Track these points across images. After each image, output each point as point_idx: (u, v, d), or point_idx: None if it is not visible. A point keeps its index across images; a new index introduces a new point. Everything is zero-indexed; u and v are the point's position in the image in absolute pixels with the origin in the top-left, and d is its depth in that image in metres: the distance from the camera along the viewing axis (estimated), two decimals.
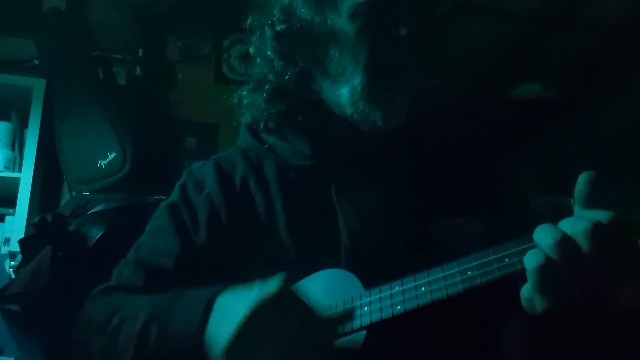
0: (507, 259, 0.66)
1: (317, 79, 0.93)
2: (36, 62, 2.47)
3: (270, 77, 0.95)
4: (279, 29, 0.92)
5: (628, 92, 3.20)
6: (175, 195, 0.98)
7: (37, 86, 2.40)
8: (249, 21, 0.98)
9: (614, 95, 3.27)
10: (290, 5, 0.92)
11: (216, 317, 0.69)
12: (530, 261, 0.61)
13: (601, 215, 0.60)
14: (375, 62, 0.86)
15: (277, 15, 0.92)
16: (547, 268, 0.61)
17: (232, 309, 0.67)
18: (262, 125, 0.98)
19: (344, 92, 0.88)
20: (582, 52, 3.05)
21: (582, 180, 0.62)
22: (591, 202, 0.62)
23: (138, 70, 2.70)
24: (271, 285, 0.66)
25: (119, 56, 2.65)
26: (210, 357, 0.68)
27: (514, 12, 2.76)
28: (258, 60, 0.98)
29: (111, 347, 0.78)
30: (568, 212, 0.65)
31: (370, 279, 0.78)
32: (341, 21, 0.87)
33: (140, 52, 2.70)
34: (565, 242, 0.60)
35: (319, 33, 0.90)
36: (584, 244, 0.60)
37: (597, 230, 0.59)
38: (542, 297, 0.62)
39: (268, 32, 0.94)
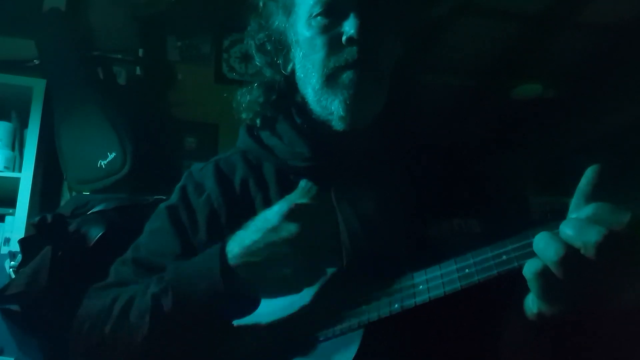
0: (504, 256, 0.65)
1: (299, 84, 0.97)
2: (36, 62, 2.47)
3: (264, 79, 1.01)
4: (257, 40, 0.99)
5: (628, 92, 3.20)
6: (174, 197, 0.98)
7: (37, 86, 2.40)
8: (247, 28, 1.03)
9: (614, 95, 3.27)
10: (267, 17, 0.98)
11: (239, 242, 0.76)
12: (529, 269, 0.60)
13: (615, 218, 0.57)
14: (327, 59, 0.89)
15: (253, 27, 1.00)
16: (548, 278, 0.59)
17: (259, 221, 0.76)
18: (259, 125, 0.99)
19: (310, 92, 0.93)
20: (582, 52, 3.05)
21: (590, 173, 0.61)
22: (596, 196, 0.60)
23: (138, 70, 2.70)
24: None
25: (119, 56, 2.65)
26: (236, 285, 0.75)
27: (514, 12, 2.76)
28: (253, 64, 1.03)
29: (121, 329, 0.79)
30: (567, 212, 0.65)
31: (371, 280, 0.78)
32: (300, 26, 0.93)
33: (140, 52, 2.70)
34: (570, 257, 0.57)
35: (290, 41, 0.96)
36: (592, 256, 0.56)
37: (609, 241, 0.55)
38: (547, 305, 0.62)
39: (251, 43, 1.01)
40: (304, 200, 0.76)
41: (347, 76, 0.88)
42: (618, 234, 0.56)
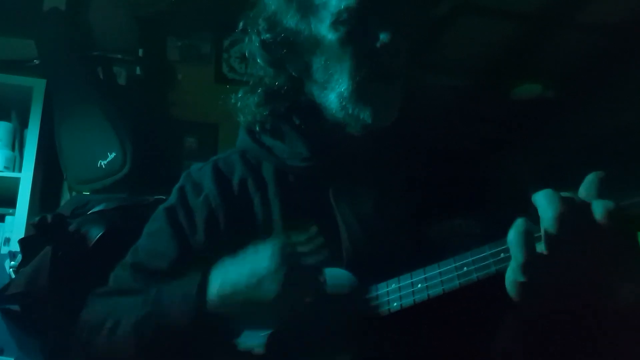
0: (502, 254, 0.66)
1: (307, 84, 0.94)
2: (36, 62, 2.47)
3: (264, 80, 0.97)
4: (264, 38, 0.93)
5: (628, 92, 3.20)
6: (173, 198, 0.98)
7: (37, 86, 2.40)
8: (240, 26, 0.99)
9: (614, 95, 3.26)
10: (275, 14, 0.92)
11: (224, 284, 0.75)
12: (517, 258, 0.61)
13: (609, 203, 0.58)
14: (359, 69, 0.86)
15: (262, 25, 0.93)
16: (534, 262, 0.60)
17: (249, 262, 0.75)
18: (258, 127, 0.98)
19: (333, 98, 0.89)
20: (582, 52, 3.05)
21: (590, 179, 0.62)
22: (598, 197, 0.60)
23: (138, 70, 2.69)
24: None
25: (119, 56, 2.65)
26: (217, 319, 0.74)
27: (514, 12, 2.76)
28: (252, 63, 0.99)
29: (112, 345, 0.81)
30: None
31: (371, 280, 0.79)
32: (324, 29, 0.88)
33: (140, 52, 2.70)
34: (568, 214, 0.58)
35: (304, 41, 0.90)
36: (588, 215, 0.58)
37: (611, 213, 0.57)
38: (528, 284, 0.62)
39: (256, 40, 0.95)
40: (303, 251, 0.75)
41: (379, 87, 0.87)
42: (615, 211, 0.57)
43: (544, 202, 0.60)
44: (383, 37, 0.84)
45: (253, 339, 0.77)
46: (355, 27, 0.86)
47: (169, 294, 0.81)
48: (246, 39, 0.99)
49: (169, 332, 0.77)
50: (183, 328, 0.76)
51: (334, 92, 0.88)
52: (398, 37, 0.85)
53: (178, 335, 0.77)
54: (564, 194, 0.61)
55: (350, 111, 0.87)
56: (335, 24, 0.86)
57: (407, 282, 0.73)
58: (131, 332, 0.79)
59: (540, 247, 0.60)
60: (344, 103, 0.88)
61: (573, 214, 0.59)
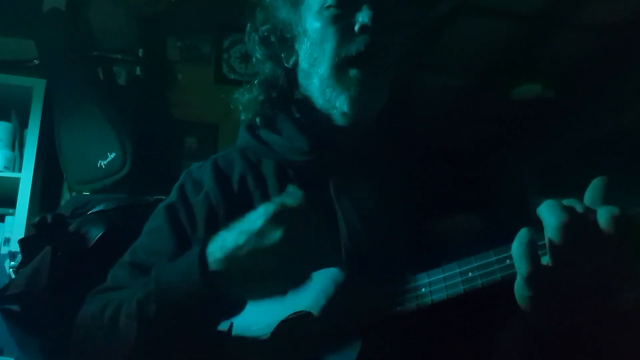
0: (508, 261, 0.65)
1: (299, 76, 0.97)
2: (36, 62, 2.47)
3: (264, 76, 1.00)
4: (262, 32, 0.98)
5: (628, 92, 3.20)
6: (173, 196, 0.98)
7: (37, 86, 2.40)
8: (247, 29, 1.03)
9: (614, 95, 3.26)
10: (271, 9, 0.98)
11: (221, 245, 0.74)
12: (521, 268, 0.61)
13: (614, 209, 0.58)
14: (338, 50, 0.89)
15: (259, 20, 0.99)
16: (539, 273, 0.60)
17: (241, 226, 0.73)
18: (259, 123, 0.99)
19: (315, 82, 0.92)
20: (582, 52, 3.05)
21: (595, 184, 0.62)
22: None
23: (138, 70, 2.70)
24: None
25: (119, 56, 2.65)
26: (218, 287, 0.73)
27: (514, 12, 2.76)
28: (253, 61, 1.02)
29: (112, 335, 0.79)
30: None
31: (371, 277, 0.78)
32: (311, 17, 0.93)
33: (140, 52, 2.70)
34: (571, 224, 0.58)
35: (296, 32, 0.95)
36: (590, 225, 0.58)
37: (616, 220, 0.57)
38: (530, 290, 0.62)
39: (254, 37, 1.00)
40: (290, 202, 0.74)
41: (355, 73, 0.88)
42: (620, 217, 0.57)
43: (547, 212, 0.60)
44: (362, 17, 0.87)
45: (262, 326, 0.76)
46: (338, 12, 0.90)
47: (169, 270, 0.79)
48: (247, 38, 1.03)
49: (174, 307, 0.75)
50: (188, 299, 0.74)
51: (317, 76, 0.92)
52: (382, 22, 0.88)
53: (183, 311, 0.75)
54: (567, 201, 0.61)
55: (327, 96, 0.90)
56: (321, 10, 0.91)
57: (411, 286, 0.73)
58: (133, 314, 0.77)
59: (546, 260, 0.60)
60: (323, 87, 0.91)
61: (576, 221, 0.59)
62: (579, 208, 0.61)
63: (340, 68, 0.89)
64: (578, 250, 0.59)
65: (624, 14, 2.71)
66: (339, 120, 0.92)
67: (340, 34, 0.89)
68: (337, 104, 0.90)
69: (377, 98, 0.92)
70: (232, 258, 0.73)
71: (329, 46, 0.90)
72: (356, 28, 0.88)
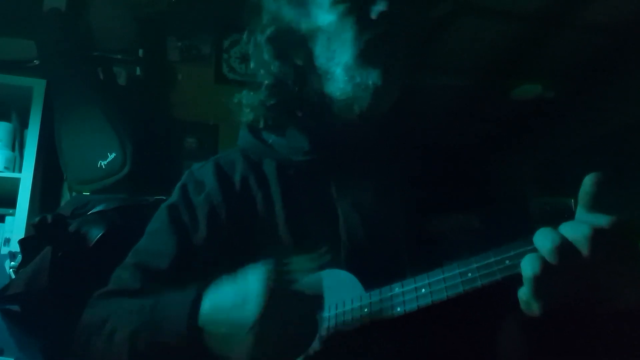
0: (507, 261, 0.65)
1: (312, 73, 0.94)
2: (36, 62, 2.47)
3: (269, 76, 0.97)
4: (269, 32, 0.96)
5: (628, 92, 3.20)
6: (175, 196, 0.98)
7: (37, 86, 2.40)
8: (247, 30, 1.01)
9: (614, 95, 3.27)
10: (277, 9, 0.96)
11: (214, 305, 0.73)
12: (526, 268, 0.62)
13: (603, 220, 0.60)
14: (362, 34, 0.88)
15: (266, 20, 0.97)
16: (544, 274, 0.61)
17: (237, 293, 0.72)
18: (262, 124, 0.98)
19: (339, 72, 0.90)
20: (582, 52, 3.05)
21: (588, 182, 0.62)
22: (596, 204, 0.62)
23: (138, 71, 2.70)
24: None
25: (119, 56, 2.66)
26: (211, 348, 0.72)
27: (514, 12, 2.76)
28: (257, 62, 1.00)
29: (107, 350, 0.81)
30: (568, 212, 0.65)
31: (370, 276, 0.78)
32: (323, 13, 0.91)
33: (140, 52, 2.70)
34: (565, 247, 0.60)
35: (306, 29, 0.93)
36: (584, 250, 0.60)
37: (598, 236, 0.59)
38: (538, 301, 0.63)
39: (260, 37, 0.97)
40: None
41: (384, 50, 0.88)
42: (609, 231, 0.60)
43: (540, 238, 0.62)
44: (380, 6, 0.86)
45: None
46: (353, 4, 0.88)
47: (164, 308, 0.79)
48: (249, 38, 1.01)
49: (161, 347, 0.76)
50: (175, 345, 0.75)
51: (340, 66, 0.89)
52: (396, 11, 0.87)
53: (170, 351, 0.76)
54: (566, 223, 0.62)
55: (358, 79, 0.88)
56: (334, 4, 0.89)
57: (411, 287, 0.73)
58: (126, 341, 0.79)
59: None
60: (350, 73, 0.88)
61: (568, 244, 0.61)
62: (568, 231, 0.62)
63: (367, 48, 0.87)
64: (576, 267, 0.61)
65: (624, 14, 2.71)
66: (362, 104, 0.89)
67: (361, 23, 0.88)
68: (370, 81, 0.87)
69: (396, 84, 0.91)
70: (217, 317, 0.73)
71: (350, 35, 0.88)
72: (374, 15, 0.86)
